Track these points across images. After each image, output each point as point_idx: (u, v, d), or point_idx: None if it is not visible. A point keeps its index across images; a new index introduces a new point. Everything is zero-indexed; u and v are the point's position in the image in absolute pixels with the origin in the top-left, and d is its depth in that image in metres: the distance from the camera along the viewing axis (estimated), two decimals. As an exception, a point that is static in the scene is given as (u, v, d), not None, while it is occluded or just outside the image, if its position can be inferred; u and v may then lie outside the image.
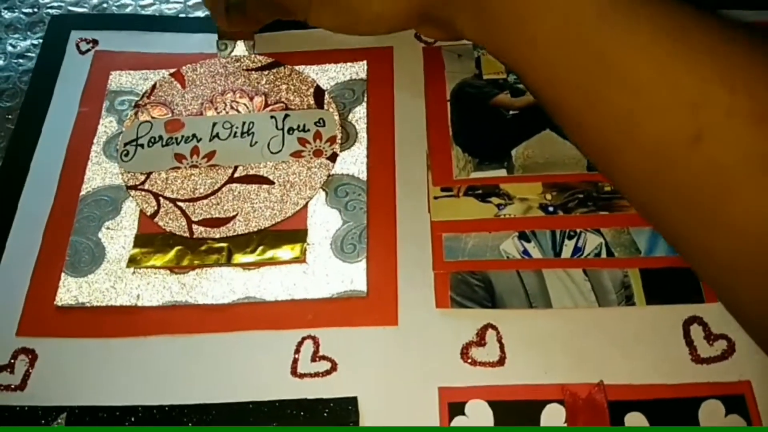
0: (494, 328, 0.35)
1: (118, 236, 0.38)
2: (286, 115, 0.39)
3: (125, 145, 0.38)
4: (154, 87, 0.42)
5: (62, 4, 0.49)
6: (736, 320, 0.28)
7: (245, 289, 0.36)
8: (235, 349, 0.35)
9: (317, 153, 0.37)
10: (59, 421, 0.33)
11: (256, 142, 0.37)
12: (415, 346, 0.34)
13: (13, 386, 0.34)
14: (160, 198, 0.37)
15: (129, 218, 0.39)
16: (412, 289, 0.36)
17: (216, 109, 0.39)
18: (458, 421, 0.32)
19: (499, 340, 0.35)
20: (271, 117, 0.39)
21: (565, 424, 0.32)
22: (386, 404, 0.33)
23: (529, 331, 0.35)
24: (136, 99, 0.42)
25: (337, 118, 0.39)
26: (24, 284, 0.37)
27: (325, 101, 0.40)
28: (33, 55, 0.46)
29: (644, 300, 0.35)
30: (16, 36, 0.48)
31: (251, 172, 0.37)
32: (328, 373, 0.34)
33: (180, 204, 0.37)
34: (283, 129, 0.36)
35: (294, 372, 0.34)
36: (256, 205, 0.37)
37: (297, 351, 0.35)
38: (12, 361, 0.35)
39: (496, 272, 0.36)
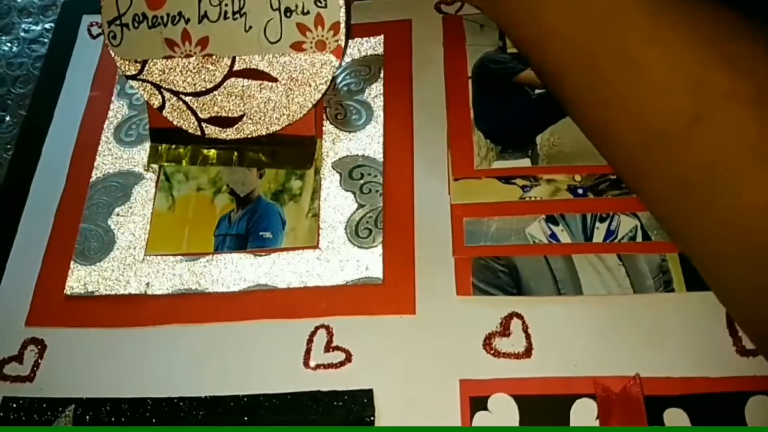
0: (520, 316, 0.33)
1: (128, 223, 0.37)
2: None
3: (109, 24, 0.36)
4: None
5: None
6: (726, 308, 0.28)
7: (256, 277, 0.35)
8: (246, 339, 0.33)
9: (320, 45, 0.34)
10: (67, 413, 0.32)
11: (250, 27, 0.34)
12: (434, 337, 0.32)
13: (22, 377, 0.34)
14: (163, 90, 0.36)
15: (139, 205, 0.37)
16: (431, 276, 0.34)
17: None
18: (480, 417, 0.30)
19: (525, 330, 0.32)
20: None
21: (597, 422, 0.29)
22: (403, 398, 0.31)
23: (557, 320, 0.32)
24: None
25: None
26: (34, 273, 0.37)
27: None
28: (46, 40, 0.46)
29: (684, 286, 0.32)
30: (29, 20, 0.47)
31: (252, 66, 0.35)
32: (342, 364, 0.32)
33: (185, 98, 0.36)
34: (279, 9, 0.33)
35: (307, 363, 0.32)
36: (261, 105, 0.35)
37: (310, 341, 0.33)
38: (21, 351, 0.34)
39: (521, 257, 0.34)
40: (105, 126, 0.40)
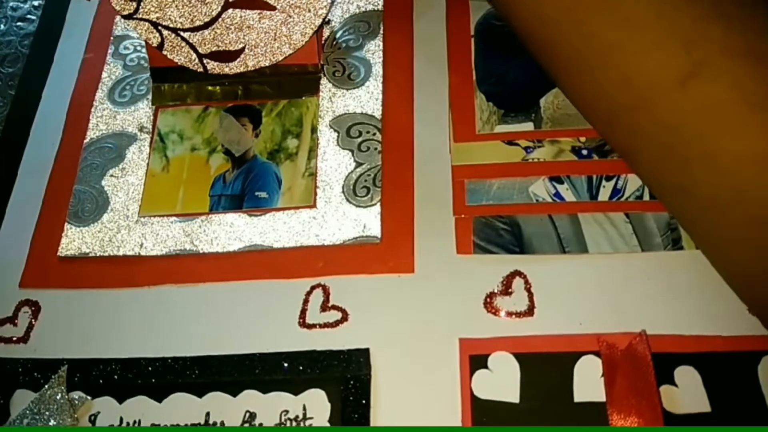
0: (522, 275, 0.31)
1: (122, 184, 0.36)
2: None
3: None
4: None
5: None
6: (714, 267, 0.28)
7: (252, 237, 0.34)
8: (241, 299, 0.33)
9: None
10: (60, 373, 0.32)
11: None
12: (434, 295, 0.31)
13: (15, 338, 0.33)
14: (161, 28, 0.35)
15: (133, 166, 0.37)
16: (431, 235, 0.33)
17: None
18: (481, 375, 0.29)
19: (528, 289, 0.31)
20: None
21: (602, 378, 0.28)
22: (401, 356, 0.30)
23: (561, 278, 0.31)
24: (142, 42, 0.40)
25: None
26: (28, 235, 0.36)
27: None
28: (34, 17, 0.44)
29: (694, 243, 0.31)
30: None
31: None
32: (338, 323, 0.31)
33: (183, 34, 0.35)
34: None
35: (303, 322, 0.32)
36: (262, 36, 0.35)
37: (306, 300, 0.32)
38: (15, 313, 0.34)
39: (524, 216, 0.33)
40: (99, 87, 0.39)
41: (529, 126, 0.35)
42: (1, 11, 0.46)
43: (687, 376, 0.28)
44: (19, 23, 0.45)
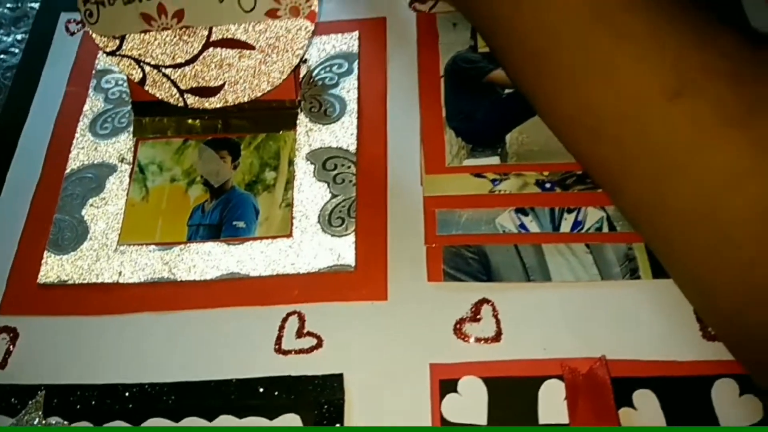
0: (489, 302, 0.33)
1: (102, 213, 0.37)
2: None
3: (85, 3, 0.36)
4: None
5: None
6: (682, 291, 0.28)
7: (229, 265, 0.35)
8: (218, 325, 0.33)
9: (294, 11, 0.35)
10: (38, 398, 0.32)
11: None
12: (406, 322, 0.33)
13: (-8, 365, 0.33)
14: (143, 64, 0.36)
15: (113, 196, 0.38)
16: (403, 263, 0.34)
17: None
18: (450, 399, 0.30)
19: (495, 315, 0.33)
20: None
21: (565, 402, 0.29)
22: (374, 381, 0.31)
23: (526, 305, 0.33)
24: (124, 77, 0.41)
25: None
26: (7, 263, 0.36)
27: None
28: (17, 50, 0.46)
29: (650, 273, 0.33)
30: (0, 32, 0.47)
31: (228, 36, 0.36)
32: (313, 349, 0.32)
33: (165, 71, 0.37)
34: None
35: (278, 349, 0.32)
36: (241, 73, 0.36)
37: (282, 327, 0.33)
38: (-8, 339, 0.34)
39: (491, 246, 0.34)
40: (81, 119, 0.41)
41: (495, 160, 0.37)
42: (-17, 44, 0.47)
43: (645, 399, 0.30)
44: (2, 56, 0.46)
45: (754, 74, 0.24)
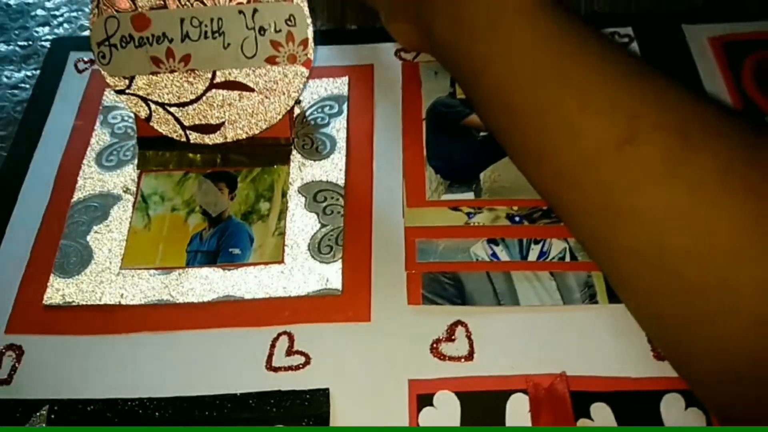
0: (463, 324, 0.36)
1: (106, 240, 0.40)
2: (255, 10, 0.38)
3: (99, 45, 0.39)
4: None
5: (56, 37, 0.51)
6: (633, 316, 0.31)
7: (225, 288, 0.38)
8: (213, 345, 0.36)
9: (291, 58, 0.38)
10: (42, 412, 0.34)
11: (228, 44, 0.38)
12: (387, 341, 0.36)
13: (0, 380, 0.36)
14: (150, 102, 0.40)
15: (117, 223, 0.40)
16: (386, 288, 0.37)
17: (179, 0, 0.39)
18: (427, 412, 0.33)
19: (468, 336, 0.36)
20: (240, 12, 0.38)
21: (529, 414, 0.33)
22: (358, 395, 0.34)
23: (497, 327, 0.36)
24: (129, 113, 0.44)
25: (307, 12, 0.38)
26: (14, 284, 0.39)
27: None
28: (27, 86, 0.49)
29: (607, 299, 0.37)
30: (11, 68, 0.50)
31: (230, 78, 0.39)
32: (302, 366, 0.35)
33: (170, 109, 0.40)
34: (254, 28, 0.38)
35: (269, 366, 0.35)
36: (240, 113, 0.40)
37: (272, 346, 0.36)
38: (0, 357, 0.36)
39: (466, 273, 0.38)
40: (87, 152, 0.44)
41: (470, 195, 0.41)
42: (-5, 79, 0.50)
43: (601, 412, 0.33)
44: (13, 90, 0.49)
45: (700, 128, 0.28)
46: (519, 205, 0.40)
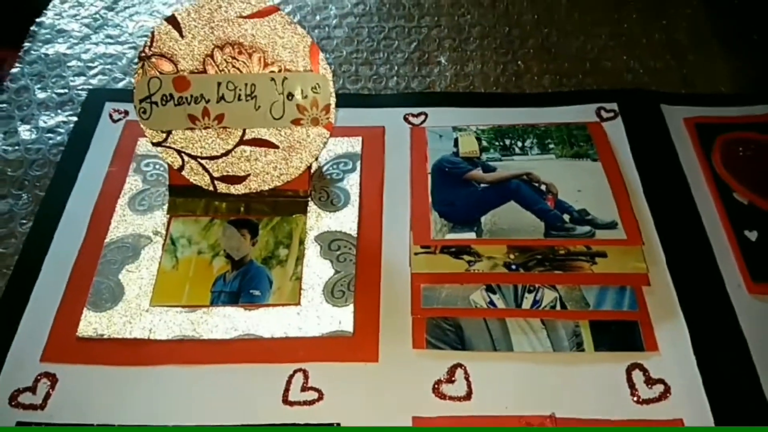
0: (463, 367, 0.40)
1: (136, 278, 0.43)
2: (285, 78, 0.43)
3: (141, 102, 0.43)
4: (153, 37, 0.44)
5: (91, 87, 0.56)
6: None
7: (245, 327, 0.41)
8: (234, 379, 0.39)
9: (314, 121, 0.43)
10: (74, 437, 0.37)
11: (259, 107, 0.43)
12: (393, 381, 0.39)
13: (34, 405, 0.39)
14: (183, 154, 0.44)
15: (146, 263, 0.44)
16: (393, 331, 0.41)
17: (217, 65, 0.43)
18: (428, 446, 0.37)
19: (467, 378, 0.39)
20: (271, 80, 0.43)
21: (521, 451, 0.36)
22: (365, 430, 0.37)
23: (493, 371, 0.40)
24: (160, 161, 0.48)
25: (331, 81, 0.43)
26: (50, 317, 0.42)
27: (320, 62, 0.43)
28: (62, 130, 0.53)
29: (593, 347, 0.41)
30: (48, 113, 0.54)
31: (258, 136, 0.44)
32: (315, 401, 0.38)
33: (201, 161, 0.44)
34: (283, 94, 0.42)
35: (285, 400, 0.39)
36: (265, 167, 0.44)
37: (288, 382, 0.39)
38: (35, 383, 0.39)
39: (466, 319, 0.42)
40: (121, 196, 0.47)
41: (472, 235, 0.45)
42: (32, 122, 0.54)
43: (585, 450, 0.37)
44: (49, 134, 0.53)
45: None
46: (517, 243, 0.44)
